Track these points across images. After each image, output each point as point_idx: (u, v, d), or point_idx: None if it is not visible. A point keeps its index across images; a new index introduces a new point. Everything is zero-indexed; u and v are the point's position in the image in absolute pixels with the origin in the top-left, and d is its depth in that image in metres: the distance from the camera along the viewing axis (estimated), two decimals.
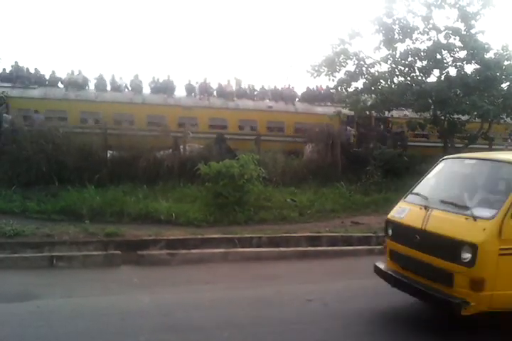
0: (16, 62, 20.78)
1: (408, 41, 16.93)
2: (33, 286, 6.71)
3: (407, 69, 16.73)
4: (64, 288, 6.79)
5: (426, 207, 5.32)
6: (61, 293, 6.51)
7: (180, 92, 21.60)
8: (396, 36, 16.82)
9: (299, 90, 22.61)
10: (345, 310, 6.12)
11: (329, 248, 9.40)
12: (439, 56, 16.46)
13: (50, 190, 12.12)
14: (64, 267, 7.80)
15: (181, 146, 14.76)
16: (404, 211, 5.69)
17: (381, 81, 17.00)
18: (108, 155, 13.98)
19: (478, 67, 16.19)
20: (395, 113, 17.62)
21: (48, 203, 11.14)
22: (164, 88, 20.79)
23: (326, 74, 17.15)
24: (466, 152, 17.65)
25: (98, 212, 10.66)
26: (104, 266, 7.94)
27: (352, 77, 17.13)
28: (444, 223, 5.00)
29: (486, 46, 16.10)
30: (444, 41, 16.56)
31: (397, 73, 16.91)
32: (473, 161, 5.86)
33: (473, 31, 16.43)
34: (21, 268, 7.56)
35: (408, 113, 18.30)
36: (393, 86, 16.89)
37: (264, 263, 8.41)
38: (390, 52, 16.89)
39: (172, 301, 6.31)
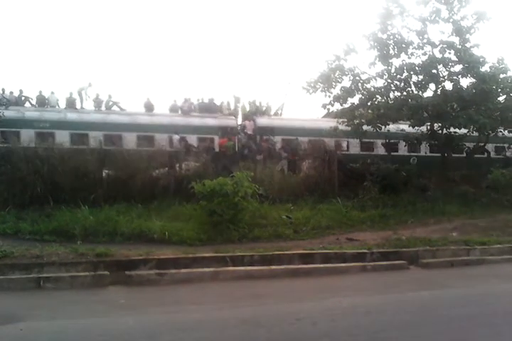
0: None
1: (403, 56, 16.94)
2: (18, 308, 6.65)
3: (402, 84, 16.69)
4: (49, 310, 6.69)
5: None
6: (46, 315, 6.39)
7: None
8: (391, 51, 16.83)
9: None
10: (333, 329, 6.01)
11: (321, 265, 9.29)
12: (434, 70, 16.45)
13: (45, 211, 12.08)
14: (51, 288, 7.73)
15: (177, 165, 14.74)
16: None
17: (377, 96, 16.96)
18: (104, 174, 13.94)
19: (474, 80, 16.17)
20: (392, 127, 17.47)
21: (41, 224, 11.12)
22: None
23: (321, 91, 17.11)
24: (464, 166, 17.72)
25: (91, 232, 10.65)
26: (92, 286, 7.88)
27: (348, 92, 17.08)
28: None
29: (481, 60, 16.10)
30: (439, 55, 16.58)
31: (393, 88, 16.87)
32: None
33: (468, 45, 16.43)
34: (8, 290, 7.52)
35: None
36: (389, 101, 16.84)
37: (255, 282, 8.31)
38: (386, 67, 16.88)
39: (157, 322, 6.20)
